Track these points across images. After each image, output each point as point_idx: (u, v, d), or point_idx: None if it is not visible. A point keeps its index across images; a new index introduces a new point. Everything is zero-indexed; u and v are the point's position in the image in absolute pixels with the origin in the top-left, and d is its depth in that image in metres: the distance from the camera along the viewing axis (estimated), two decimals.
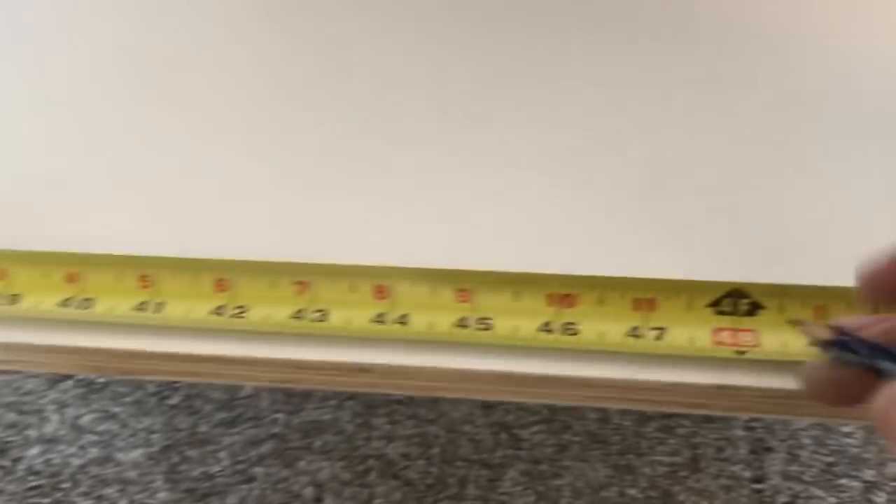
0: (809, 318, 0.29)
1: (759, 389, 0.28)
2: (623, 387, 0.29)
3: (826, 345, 0.25)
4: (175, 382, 0.74)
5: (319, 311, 0.30)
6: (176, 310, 0.31)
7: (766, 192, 0.33)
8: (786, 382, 0.28)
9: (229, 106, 0.39)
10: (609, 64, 0.39)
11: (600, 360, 0.29)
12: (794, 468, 0.67)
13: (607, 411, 0.70)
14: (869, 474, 0.67)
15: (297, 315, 0.30)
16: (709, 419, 0.70)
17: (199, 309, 0.31)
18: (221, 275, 0.31)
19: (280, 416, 0.72)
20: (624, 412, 0.70)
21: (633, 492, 0.67)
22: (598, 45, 0.40)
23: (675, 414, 0.69)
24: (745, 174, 0.34)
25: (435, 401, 0.71)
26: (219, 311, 0.31)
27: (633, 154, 0.35)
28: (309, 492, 0.68)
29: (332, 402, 0.72)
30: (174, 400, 0.73)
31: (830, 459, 0.68)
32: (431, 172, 0.35)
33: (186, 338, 0.31)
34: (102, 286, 0.32)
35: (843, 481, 0.67)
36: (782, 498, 0.66)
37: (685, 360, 0.29)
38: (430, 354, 0.30)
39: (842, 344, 0.24)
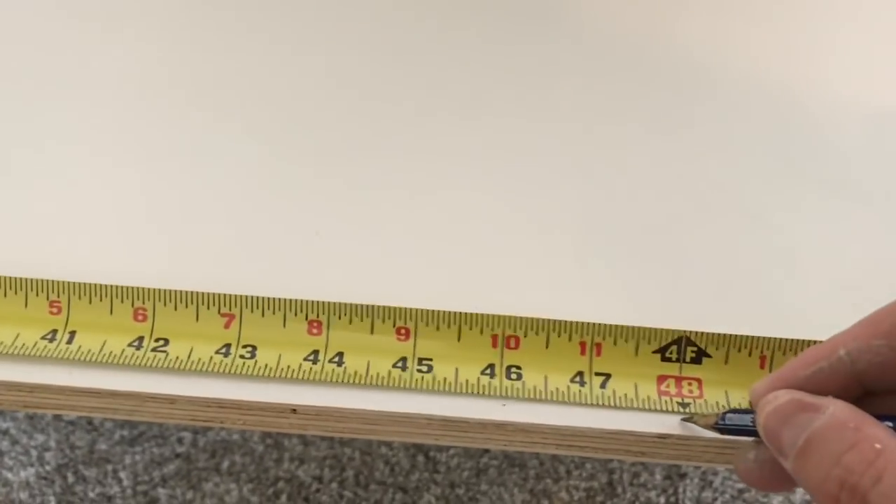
0: (755, 367, 0.28)
1: (702, 439, 0.27)
2: (565, 434, 0.28)
3: (721, 429, 0.27)
4: None
5: (248, 346, 0.28)
6: (89, 340, 0.28)
7: (715, 237, 0.33)
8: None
9: (140, 127, 0.36)
10: (557, 103, 0.38)
11: (543, 406, 0.28)
12: (707, 494, 0.68)
13: None
14: (777, 501, 0.68)
15: (223, 350, 0.28)
16: None
17: (115, 341, 0.28)
18: (141, 304, 0.29)
19: (186, 434, 0.68)
20: None
21: None
22: (544, 82, 0.39)
23: None
24: (695, 219, 0.34)
25: None
26: (137, 343, 0.28)
27: (583, 195, 0.34)
28: None
29: None
30: (70, 416, 0.69)
31: (742, 486, 0.69)
32: (370, 206, 0.33)
33: (99, 371, 0.28)
34: (6, 312, 0.29)
35: None
36: None
37: (629, 410, 0.28)
38: (365, 396, 0.28)
39: (736, 412, 0.26)
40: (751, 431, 0.26)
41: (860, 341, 0.24)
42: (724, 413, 0.26)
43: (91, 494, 0.66)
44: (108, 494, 0.66)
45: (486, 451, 0.69)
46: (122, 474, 0.67)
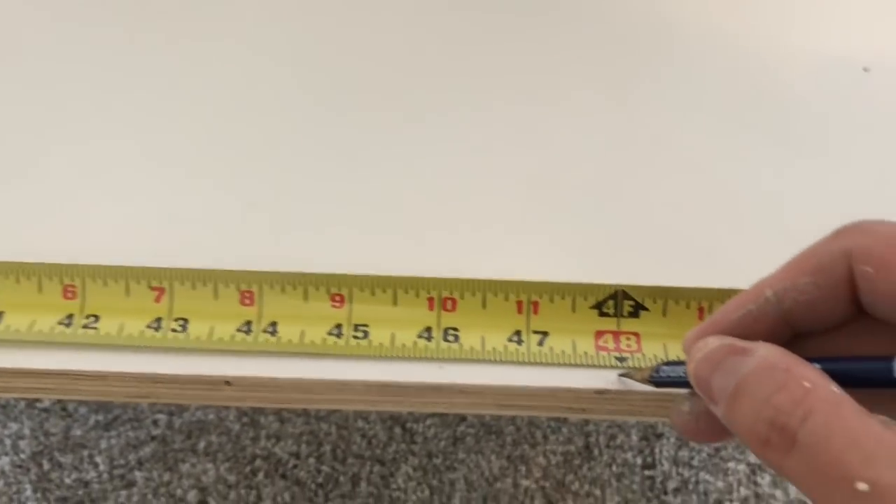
0: (693, 319, 0.28)
1: (641, 393, 0.27)
2: (503, 393, 0.28)
3: (657, 382, 0.26)
4: None
5: (179, 319, 0.28)
6: (17, 320, 0.28)
7: (651, 191, 0.33)
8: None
9: (82, 99, 0.36)
10: (494, 63, 0.37)
11: (481, 367, 0.28)
12: (683, 454, 0.68)
13: None
14: (753, 457, 0.68)
15: (154, 325, 0.28)
16: None
17: (44, 319, 0.28)
18: (70, 280, 0.28)
19: (161, 416, 0.68)
20: None
21: (526, 483, 0.66)
22: (483, 42, 0.38)
23: None
24: (630, 174, 0.33)
25: None
26: (67, 321, 0.28)
27: (516, 153, 0.34)
28: (193, 495, 0.65)
29: None
30: (45, 403, 0.68)
31: (718, 444, 0.69)
32: (300, 172, 0.33)
33: (29, 351, 0.28)
34: None
35: (731, 465, 0.68)
36: (672, 483, 0.67)
37: (567, 366, 0.28)
38: (300, 365, 0.28)
39: (670, 363, 0.26)
40: (685, 383, 0.25)
41: (786, 281, 0.23)
42: (659, 366, 0.26)
43: (67, 480, 0.66)
44: (85, 480, 0.66)
45: (463, 419, 0.69)
46: (98, 459, 0.67)
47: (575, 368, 0.28)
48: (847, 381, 0.21)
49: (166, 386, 0.28)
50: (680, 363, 0.26)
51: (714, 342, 0.23)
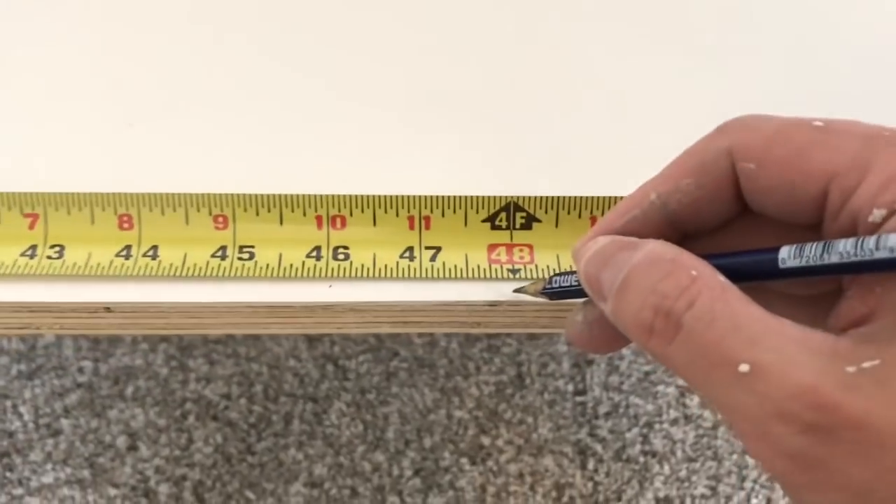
0: (586, 228, 0.28)
1: (533, 304, 0.27)
2: (396, 310, 0.27)
3: (550, 294, 0.26)
4: None
5: (55, 246, 0.27)
6: None
7: (543, 101, 0.32)
8: None
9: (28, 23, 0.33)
10: None
11: (373, 284, 0.27)
12: (613, 378, 0.69)
13: (434, 336, 0.70)
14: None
15: (29, 252, 0.27)
16: (533, 336, 0.70)
17: None
18: None
19: (87, 363, 0.67)
20: (449, 335, 0.70)
21: (460, 413, 0.67)
22: None
23: (499, 334, 0.70)
24: (522, 83, 0.33)
25: (256, 337, 0.69)
26: None
27: (406, 62, 0.33)
28: (122, 441, 0.64)
29: (144, 346, 0.67)
30: None
31: (647, 368, 0.70)
32: (182, 94, 0.31)
33: None
34: None
35: (660, 388, 0.69)
36: (604, 408, 0.68)
37: (460, 280, 0.27)
38: (183, 288, 0.27)
39: (562, 274, 0.26)
40: (577, 292, 0.25)
41: (669, 183, 0.23)
42: (551, 277, 0.26)
43: None
44: (10, 430, 0.64)
45: (396, 354, 0.69)
46: (23, 409, 0.65)
47: (468, 282, 0.27)
48: (736, 275, 0.21)
49: (44, 315, 0.27)
50: (571, 273, 0.25)
51: (603, 240, 0.23)
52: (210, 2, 0.35)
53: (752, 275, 0.22)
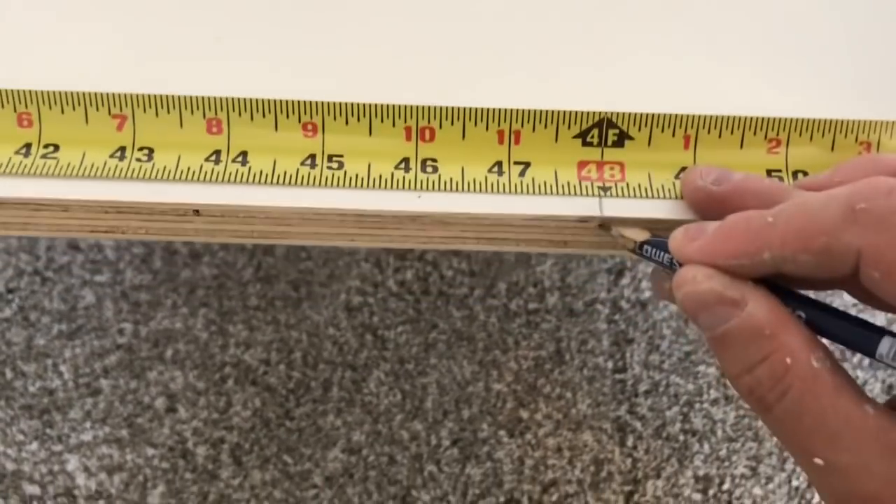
0: (679, 147, 0.27)
1: (625, 220, 0.26)
2: (484, 224, 0.27)
3: (638, 248, 0.26)
4: (8, 294, 0.68)
5: (144, 149, 0.27)
6: None
7: (636, 19, 0.32)
8: (653, 214, 0.27)
9: None
10: None
11: (461, 196, 0.27)
12: (654, 357, 0.68)
13: (473, 310, 0.69)
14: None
15: (118, 154, 0.27)
16: (573, 313, 0.70)
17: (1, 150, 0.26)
18: (24, 108, 0.27)
19: (127, 325, 0.67)
20: (489, 309, 0.69)
21: (498, 386, 0.66)
22: None
23: (537, 311, 0.69)
24: (617, 5, 0.32)
25: (297, 305, 0.68)
26: (24, 151, 0.26)
27: None
28: (161, 402, 0.64)
29: (184, 310, 0.67)
30: (6, 313, 0.66)
31: (688, 349, 0.69)
32: (270, 5, 0.31)
33: None
34: None
35: (701, 368, 0.69)
36: (643, 386, 0.67)
37: (549, 195, 0.27)
38: (273, 193, 0.26)
39: (655, 245, 0.25)
40: (667, 264, 0.25)
41: (787, 250, 0.22)
42: (642, 243, 0.25)
43: (32, 389, 0.64)
44: (50, 388, 0.64)
45: (435, 326, 0.69)
46: (63, 368, 0.65)
47: (557, 197, 0.27)
48: (830, 336, 0.22)
49: (131, 217, 0.26)
50: (663, 245, 0.25)
51: (703, 283, 0.23)
52: None
53: (848, 345, 0.22)
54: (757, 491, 0.63)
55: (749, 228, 0.23)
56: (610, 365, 0.68)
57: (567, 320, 0.70)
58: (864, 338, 0.22)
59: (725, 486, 0.64)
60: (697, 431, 0.66)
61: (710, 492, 0.64)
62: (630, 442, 0.65)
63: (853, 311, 0.23)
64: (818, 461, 0.21)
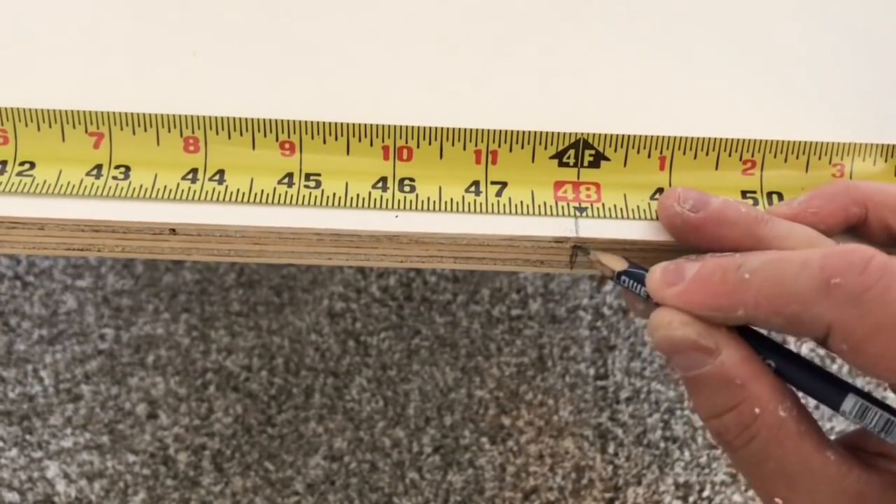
0: (655, 169, 0.28)
1: (600, 241, 0.27)
2: (461, 243, 0.27)
3: (616, 278, 0.26)
4: None
5: (120, 167, 0.27)
6: None
7: (614, 40, 0.32)
8: (629, 235, 0.27)
9: None
10: None
11: (438, 216, 0.27)
12: (635, 364, 0.69)
13: (456, 316, 0.69)
14: None
15: (94, 172, 0.26)
16: (555, 319, 0.70)
17: None
18: (0, 126, 0.27)
19: (108, 331, 0.66)
20: (472, 315, 0.70)
21: (480, 393, 0.66)
22: None
23: (521, 316, 0.69)
24: (593, 22, 0.32)
25: (279, 311, 0.68)
26: (0, 168, 0.26)
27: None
28: (142, 408, 0.64)
29: (166, 316, 0.67)
30: None
31: None
32: (248, 22, 0.31)
33: None
34: None
35: None
36: (625, 393, 0.68)
37: (525, 216, 0.27)
38: (250, 212, 0.26)
39: (633, 276, 0.26)
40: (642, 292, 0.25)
41: (760, 312, 0.23)
42: (620, 273, 0.26)
43: (11, 395, 0.64)
44: (30, 394, 0.64)
45: (418, 332, 0.69)
46: (43, 373, 0.65)
47: (533, 218, 0.27)
48: (798, 386, 0.23)
49: (107, 236, 0.26)
50: (639, 276, 0.25)
51: (678, 330, 0.23)
52: None
53: (815, 397, 0.23)
54: (737, 498, 0.64)
55: (725, 282, 0.23)
56: (592, 372, 0.68)
57: (549, 327, 0.70)
58: (830, 393, 0.23)
59: (706, 494, 0.64)
60: (678, 438, 0.66)
61: (691, 499, 0.64)
62: (611, 449, 0.65)
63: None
64: (778, 501, 0.22)
